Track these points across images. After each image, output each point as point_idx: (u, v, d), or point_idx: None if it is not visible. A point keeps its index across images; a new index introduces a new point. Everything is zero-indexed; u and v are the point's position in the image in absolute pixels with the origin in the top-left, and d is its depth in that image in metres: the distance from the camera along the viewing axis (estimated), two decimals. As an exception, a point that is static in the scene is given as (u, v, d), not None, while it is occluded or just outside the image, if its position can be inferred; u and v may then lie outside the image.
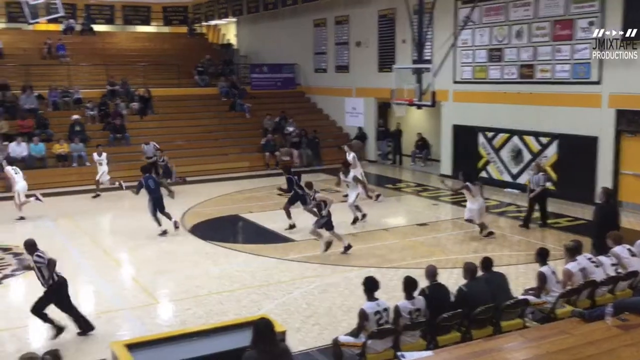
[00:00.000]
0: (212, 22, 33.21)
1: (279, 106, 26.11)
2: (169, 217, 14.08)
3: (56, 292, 8.41)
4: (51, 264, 8.31)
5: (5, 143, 20.06)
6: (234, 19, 31.67)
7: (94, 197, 18.31)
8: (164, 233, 13.90)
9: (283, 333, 6.38)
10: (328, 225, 12.26)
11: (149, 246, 13.31)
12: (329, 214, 12.27)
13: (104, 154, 18.70)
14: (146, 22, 32.80)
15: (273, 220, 14.83)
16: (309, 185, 12.99)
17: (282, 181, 15.95)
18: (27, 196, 15.86)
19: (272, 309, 9.33)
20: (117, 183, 18.29)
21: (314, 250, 12.46)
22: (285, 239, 13.52)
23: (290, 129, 24.65)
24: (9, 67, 24.12)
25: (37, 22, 24.58)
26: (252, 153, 23.34)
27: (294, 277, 11.15)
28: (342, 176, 14.73)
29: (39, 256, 8.33)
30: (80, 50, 27.20)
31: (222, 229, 14.92)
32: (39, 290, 10.64)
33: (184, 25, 33.04)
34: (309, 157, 23.57)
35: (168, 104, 24.87)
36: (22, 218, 15.50)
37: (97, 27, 30.55)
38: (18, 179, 15.83)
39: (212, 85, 26.85)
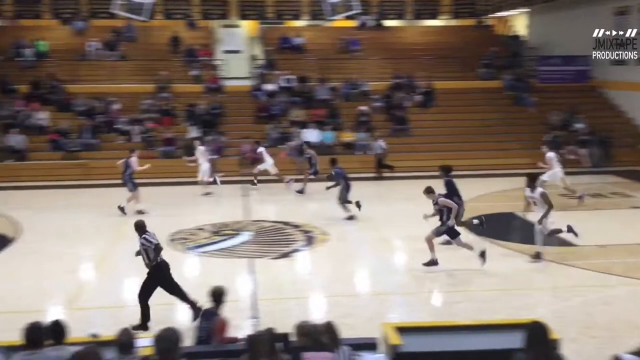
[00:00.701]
0: (501, 14, 32.33)
1: (567, 101, 24.44)
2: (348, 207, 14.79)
3: (156, 275, 8.64)
4: (157, 249, 8.59)
5: (301, 130, 22.16)
6: (525, 10, 30.41)
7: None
8: (351, 218, 14.60)
9: (556, 341, 5.98)
10: (451, 234, 11.05)
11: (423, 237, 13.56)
12: (452, 223, 10.95)
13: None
14: (434, 16, 33.26)
15: (553, 222, 13.94)
16: (429, 189, 11.31)
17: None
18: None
19: (545, 314, 8.81)
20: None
21: (599, 257, 11.46)
22: (567, 243, 12.65)
23: (579, 125, 22.93)
24: (309, 61, 26.48)
25: (335, 19, 26.52)
26: (534, 150, 22.24)
27: (573, 284, 10.40)
28: (527, 192, 11.67)
29: (145, 239, 8.62)
30: (371, 45, 28.68)
31: (496, 226, 14.49)
32: (323, 264, 11.52)
33: (472, 18, 32.74)
34: (598, 157, 21.68)
35: (450, 97, 24.97)
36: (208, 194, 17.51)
37: (388, 23, 31.89)
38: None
39: (496, 78, 26.23)
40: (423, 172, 20.00)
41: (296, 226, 14.27)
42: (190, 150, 19.95)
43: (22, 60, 25.03)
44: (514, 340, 5.49)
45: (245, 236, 13.69)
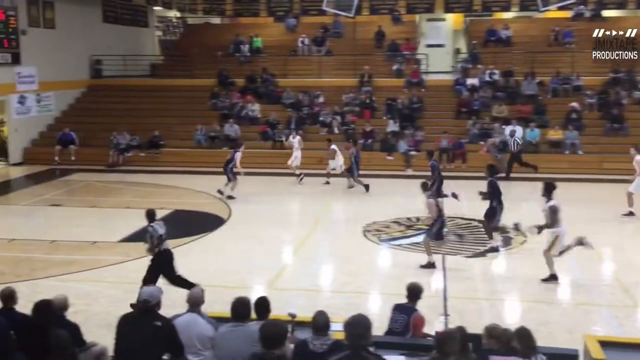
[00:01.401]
0: None
1: None
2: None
3: (158, 262, 9.06)
4: (160, 238, 9.01)
5: (503, 126, 21.31)
6: None
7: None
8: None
9: None
10: (436, 236, 11.00)
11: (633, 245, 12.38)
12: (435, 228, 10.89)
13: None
14: (662, 4, 29.98)
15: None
16: (424, 185, 11.31)
17: None
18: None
19: None
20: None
21: None
22: None
23: None
24: (516, 54, 25.37)
25: (547, 10, 25.12)
26: None
27: None
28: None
29: (152, 227, 9.05)
30: (586, 36, 26.60)
31: None
32: (520, 267, 11.02)
33: None
34: None
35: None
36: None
37: (607, 13, 29.43)
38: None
39: None
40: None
41: (493, 225, 13.79)
42: (388, 145, 20.23)
43: (240, 55, 27.17)
44: None
45: (439, 232, 13.54)
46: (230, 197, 16.54)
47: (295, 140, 19.38)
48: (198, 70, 26.41)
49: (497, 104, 22.63)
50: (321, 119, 23.02)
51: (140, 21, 30.54)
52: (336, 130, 22.49)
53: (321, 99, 23.99)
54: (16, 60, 22.32)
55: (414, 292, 7.04)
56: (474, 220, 14.29)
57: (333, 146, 18.36)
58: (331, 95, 24.21)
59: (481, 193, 11.96)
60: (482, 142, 21.05)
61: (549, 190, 10.23)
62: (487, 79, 23.96)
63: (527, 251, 12.14)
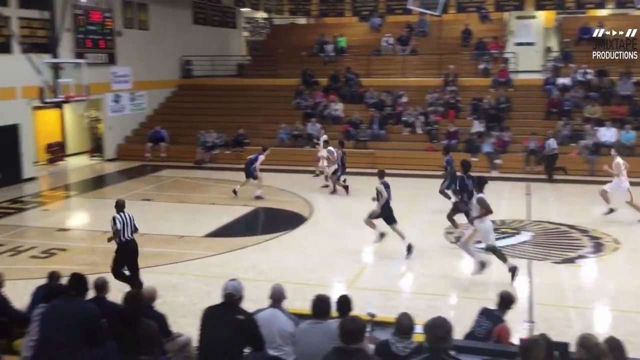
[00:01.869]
0: None
1: None
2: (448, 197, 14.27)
3: (120, 251, 9.54)
4: (117, 232, 9.43)
5: (596, 128, 20.44)
6: None
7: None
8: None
9: None
10: (387, 220, 11.83)
11: None
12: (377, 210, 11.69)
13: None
14: None
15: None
16: (381, 174, 11.95)
17: None
18: None
19: None
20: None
21: None
22: None
23: None
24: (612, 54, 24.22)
25: (646, 7, 23.90)
26: None
27: None
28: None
29: (120, 216, 9.54)
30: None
31: None
32: (612, 274, 10.57)
33: None
34: None
35: None
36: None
37: None
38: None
39: None
40: None
41: (583, 231, 13.27)
42: (472, 146, 19.77)
43: (324, 55, 27.35)
44: None
45: (525, 236, 13.16)
46: (258, 197, 16.53)
47: (321, 140, 19.53)
48: (283, 70, 26.80)
49: (589, 104, 21.70)
50: (404, 118, 22.82)
51: (228, 22, 31.33)
52: (419, 131, 22.24)
53: (404, 99, 23.78)
54: (112, 60, 23.42)
55: (506, 301, 6.87)
56: (562, 225, 13.80)
57: (329, 147, 18.28)
58: (415, 95, 23.95)
59: (455, 192, 12.88)
60: (573, 144, 20.26)
61: (480, 184, 10.59)
62: (580, 78, 23.02)
63: (620, 257, 11.62)
